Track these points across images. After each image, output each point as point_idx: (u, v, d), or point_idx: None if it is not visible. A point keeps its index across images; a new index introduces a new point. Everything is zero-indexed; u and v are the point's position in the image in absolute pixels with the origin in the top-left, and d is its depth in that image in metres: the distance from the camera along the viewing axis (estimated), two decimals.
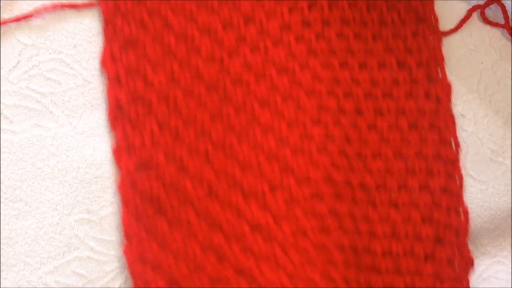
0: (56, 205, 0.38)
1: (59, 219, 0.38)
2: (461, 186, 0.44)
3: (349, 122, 0.42)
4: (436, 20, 0.47)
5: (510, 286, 0.45)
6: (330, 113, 0.42)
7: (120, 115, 0.39)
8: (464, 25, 0.50)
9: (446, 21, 0.49)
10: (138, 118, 0.39)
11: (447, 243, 0.42)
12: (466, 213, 0.43)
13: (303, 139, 0.41)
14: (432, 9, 0.47)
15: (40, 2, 0.41)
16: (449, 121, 0.45)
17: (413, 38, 0.45)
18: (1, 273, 0.37)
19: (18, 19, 0.40)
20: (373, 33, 0.44)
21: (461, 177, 0.44)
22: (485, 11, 0.50)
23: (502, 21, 0.51)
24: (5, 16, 0.40)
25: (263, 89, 0.42)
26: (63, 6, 0.41)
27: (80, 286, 0.38)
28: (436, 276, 0.41)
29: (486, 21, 0.50)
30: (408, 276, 0.41)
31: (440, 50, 0.46)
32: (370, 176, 0.42)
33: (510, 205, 0.47)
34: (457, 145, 0.45)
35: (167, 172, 0.39)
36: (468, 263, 0.42)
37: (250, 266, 0.38)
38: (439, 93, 0.45)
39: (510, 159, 0.48)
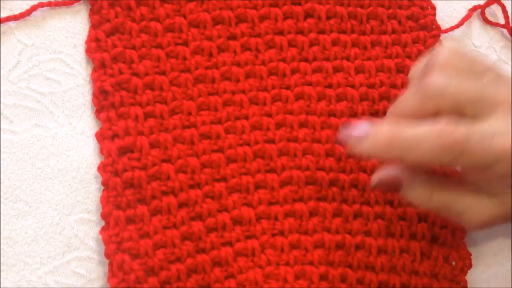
0: (56, 205, 0.38)
1: (59, 219, 0.38)
2: None
3: (341, 125, 0.42)
4: (438, 28, 0.47)
5: (510, 287, 0.45)
6: (319, 116, 0.42)
7: (105, 100, 0.39)
8: (465, 25, 0.50)
9: (447, 21, 0.49)
10: (123, 104, 0.39)
11: (443, 242, 0.42)
12: None
13: (289, 140, 0.41)
14: (434, 17, 0.47)
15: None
16: None
17: (413, 44, 0.45)
18: (1, 273, 0.37)
19: (16, 18, 0.40)
20: (372, 41, 0.45)
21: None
22: (485, 11, 0.50)
23: (502, 21, 0.51)
24: (4, 15, 0.40)
25: (252, 87, 0.42)
26: (58, 4, 0.41)
27: (80, 286, 0.38)
28: (432, 274, 0.42)
29: (487, 21, 0.50)
30: (404, 274, 0.41)
31: None
32: (365, 175, 0.42)
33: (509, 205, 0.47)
34: None
35: (150, 159, 0.39)
36: (465, 262, 0.42)
37: (227, 258, 0.38)
38: None
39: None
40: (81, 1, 0.41)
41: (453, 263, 0.42)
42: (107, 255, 0.37)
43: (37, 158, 0.39)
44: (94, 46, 0.40)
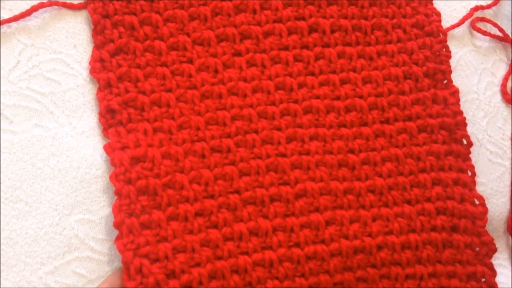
0: (56, 205, 0.38)
1: (59, 219, 0.38)
2: (473, 178, 0.45)
3: (352, 134, 0.43)
4: (444, 33, 0.47)
5: (510, 287, 0.45)
6: (329, 128, 0.42)
7: (112, 119, 0.39)
8: (465, 25, 0.50)
9: (447, 20, 0.49)
10: (131, 121, 0.39)
11: (463, 230, 0.43)
12: (482, 201, 0.44)
13: (301, 153, 0.41)
14: (439, 24, 0.47)
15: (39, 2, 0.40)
16: (460, 121, 0.45)
17: (419, 50, 0.45)
18: (2, 273, 0.37)
19: (16, 19, 0.40)
20: (378, 51, 0.45)
21: (473, 171, 0.45)
22: (486, 11, 0.50)
23: (503, 21, 0.51)
24: (5, 16, 0.40)
25: (260, 101, 0.42)
26: (58, 4, 0.41)
27: (80, 286, 0.38)
28: (455, 260, 0.42)
29: (479, 30, 0.50)
30: (429, 265, 0.42)
31: (448, 64, 0.46)
32: (381, 179, 0.42)
33: (508, 206, 0.47)
34: (469, 143, 0.45)
35: (163, 168, 0.38)
36: (489, 247, 0.43)
37: (246, 266, 0.39)
38: (446, 96, 0.45)
39: (509, 160, 0.48)
40: (82, 9, 0.41)
41: (477, 249, 0.43)
42: (125, 262, 0.36)
43: (37, 158, 0.39)
44: (98, 66, 0.40)
